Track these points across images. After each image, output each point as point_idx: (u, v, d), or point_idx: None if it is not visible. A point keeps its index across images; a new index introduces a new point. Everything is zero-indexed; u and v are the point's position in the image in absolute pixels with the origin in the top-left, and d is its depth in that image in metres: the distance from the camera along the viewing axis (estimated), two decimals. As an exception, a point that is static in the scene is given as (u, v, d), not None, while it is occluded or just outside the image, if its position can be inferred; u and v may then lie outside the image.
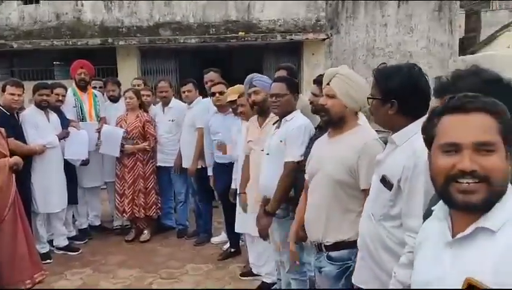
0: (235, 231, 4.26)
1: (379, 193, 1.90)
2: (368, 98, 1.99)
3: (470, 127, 1.12)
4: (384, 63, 2.04)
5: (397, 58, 11.70)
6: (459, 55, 11.88)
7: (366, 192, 2.15)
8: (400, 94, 1.85)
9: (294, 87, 3.17)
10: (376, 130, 2.47)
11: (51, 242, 4.95)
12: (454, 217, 1.18)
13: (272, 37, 9.88)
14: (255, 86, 3.52)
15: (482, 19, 17.41)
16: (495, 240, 1.08)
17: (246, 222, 3.86)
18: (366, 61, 12.30)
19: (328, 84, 2.37)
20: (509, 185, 1.14)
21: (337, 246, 2.32)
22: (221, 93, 4.60)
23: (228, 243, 4.87)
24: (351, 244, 2.21)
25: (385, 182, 1.85)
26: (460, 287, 1.08)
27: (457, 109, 1.14)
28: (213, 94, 4.67)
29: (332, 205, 2.33)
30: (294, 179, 3.02)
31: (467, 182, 1.11)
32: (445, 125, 1.16)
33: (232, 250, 4.78)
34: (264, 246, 3.79)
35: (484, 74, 1.52)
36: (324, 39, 10.32)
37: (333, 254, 2.33)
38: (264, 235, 3.20)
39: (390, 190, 1.83)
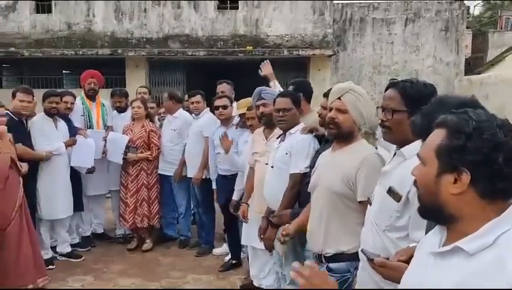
0: (241, 242, 4.27)
1: (384, 204, 1.92)
2: (394, 110, 1.94)
3: (426, 141, 1.22)
4: (395, 79, 2.09)
5: (403, 76, 11.78)
6: (465, 75, 11.95)
7: (363, 204, 2.18)
8: None
9: (298, 102, 3.22)
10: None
11: (54, 248, 4.98)
12: (448, 231, 1.21)
13: (279, 52, 9.99)
14: (264, 99, 3.59)
15: (489, 40, 17.52)
16: (467, 263, 1.09)
17: (250, 234, 3.88)
18: (371, 78, 12.39)
19: (339, 98, 2.40)
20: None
21: (337, 257, 2.35)
22: (224, 107, 4.66)
23: (229, 254, 4.89)
24: (351, 257, 2.24)
25: (392, 193, 1.87)
26: None
27: (435, 125, 1.23)
28: (216, 108, 4.72)
29: (331, 217, 2.37)
30: (299, 191, 3.05)
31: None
32: None
33: (233, 262, 4.79)
34: (266, 258, 3.80)
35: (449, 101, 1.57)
36: (331, 55, 10.42)
37: (333, 265, 2.36)
38: (269, 246, 3.22)
39: (398, 202, 1.85)
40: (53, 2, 10.48)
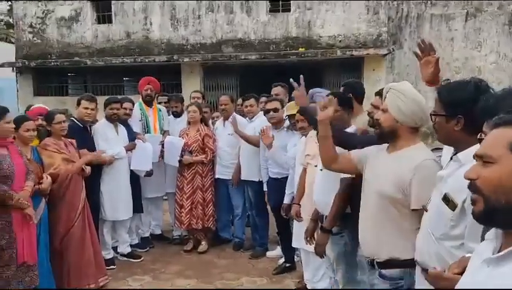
0: (292, 245, 4.27)
1: (439, 212, 1.85)
2: (430, 114, 1.97)
3: (486, 140, 1.18)
4: (448, 79, 2.02)
5: (464, 74, 11.28)
6: (533, 71, 11.24)
7: (418, 212, 2.11)
8: (467, 110, 1.80)
9: (346, 103, 3.15)
10: (433, 149, 2.42)
11: (115, 249, 5.21)
12: (503, 237, 1.16)
13: (332, 53, 9.86)
14: (315, 102, 3.57)
15: (560, 32, 16.35)
16: None
17: (302, 237, 3.86)
18: (430, 77, 11.97)
19: (384, 98, 2.37)
20: None
21: (390, 264, 2.28)
22: (275, 110, 4.67)
23: (283, 257, 4.89)
24: (405, 264, 2.17)
25: (447, 201, 1.80)
26: None
27: (493, 125, 1.20)
28: (267, 111, 4.74)
29: (384, 222, 2.30)
30: (350, 195, 2.99)
31: (472, 192, 1.16)
32: None
33: (287, 265, 4.79)
34: (319, 262, 3.77)
35: None
36: (385, 54, 10.15)
37: (385, 271, 2.30)
38: (320, 252, 3.18)
39: (453, 210, 1.77)
40: (113, 12, 10.97)
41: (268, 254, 5.24)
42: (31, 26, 11.28)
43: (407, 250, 2.17)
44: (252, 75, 10.81)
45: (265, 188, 4.97)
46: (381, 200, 2.30)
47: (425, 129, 3.76)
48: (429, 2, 11.71)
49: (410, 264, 2.11)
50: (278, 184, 4.58)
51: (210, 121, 5.89)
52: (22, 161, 3.63)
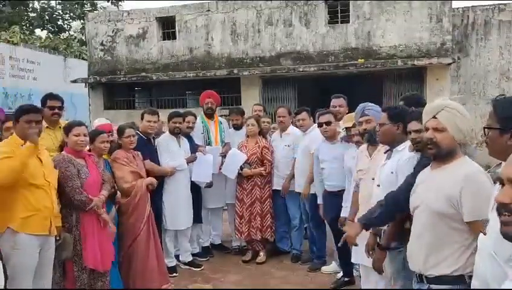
0: (351, 260, 4.22)
1: None
2: (484, 127, 1.93)
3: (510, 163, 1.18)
4: (503, 94, 1.98)
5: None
6: None
7: (474, 224, 2.08)
8: None
9: (396, 117, 3.06)
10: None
11: (177, 257, 5.38)
12: None
13: (392, 63, 9.68)
14: (367, 115, 3.56)
15: None
16: None
17: (360, 252, 3.82)
18: (499, 85, 11.42)
19: (434, 117, 2.32)
20: None
21: (439, 280, 2.25)
22: (327, 123, 4.67)
23: (341, 272, 4.83)
24: (454, 280, 2.16)
25: None
26: None
27: None
28: (320, 124, 4.75)
29: (432, 238, 2.28)
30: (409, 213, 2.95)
31: (504, 214, 1.18)
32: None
33: (346, 279, 4.73)
34: (379, 277, 3.71)
35: None
36: (450, 64, 9.80)
37: (434, 287, 2.28)
38: (378, 268, 3.15)
39: None
40: (177, 29, 11.47)
41: (323, 269, 5.18)
42: (102, 44, 12.04)
43: (455, 266, 2.17)
44: (310, 87, 10.84)
45: (319, 201, 4.95)
46: (431, 217, 2.29)
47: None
48: (497, 8, 11.21)
49: (460, 281, 2.12)
50: (334, 197, 4.55)
51: (269, 133, 5.98)
52: (98, 172, 3.88)
